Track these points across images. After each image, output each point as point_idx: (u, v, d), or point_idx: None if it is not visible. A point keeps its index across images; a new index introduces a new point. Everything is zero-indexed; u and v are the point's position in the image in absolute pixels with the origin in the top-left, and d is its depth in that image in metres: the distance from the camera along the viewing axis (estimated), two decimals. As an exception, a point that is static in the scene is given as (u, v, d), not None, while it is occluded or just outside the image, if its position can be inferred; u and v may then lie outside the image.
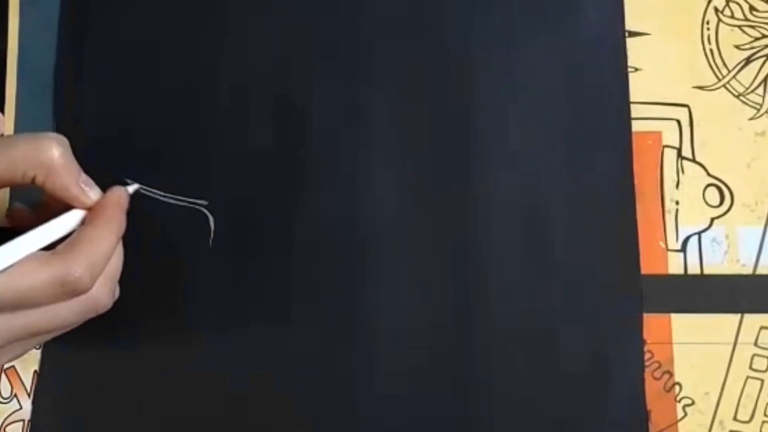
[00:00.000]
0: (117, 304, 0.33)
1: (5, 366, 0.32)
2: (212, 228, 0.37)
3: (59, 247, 0.30)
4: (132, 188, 0.34)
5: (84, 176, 0.32)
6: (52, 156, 0.31)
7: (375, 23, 0.39)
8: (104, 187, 0.33)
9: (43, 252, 0.30)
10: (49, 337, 0.32)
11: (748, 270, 0.38)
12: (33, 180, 0.31)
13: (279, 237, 0.38)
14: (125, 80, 0.39)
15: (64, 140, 0.31)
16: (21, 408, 0.37)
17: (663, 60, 0.39)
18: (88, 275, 0.30)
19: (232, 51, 0.39)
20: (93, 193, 0.32)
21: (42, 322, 0.30)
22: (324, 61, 0.39)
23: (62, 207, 0.32)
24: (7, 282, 0.29)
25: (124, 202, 0.33)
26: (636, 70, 0.39)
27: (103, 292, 0.31)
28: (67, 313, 0.31)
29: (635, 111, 0.39)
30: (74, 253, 0.30)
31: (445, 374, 0.37)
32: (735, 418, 0.37)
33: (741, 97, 0.39)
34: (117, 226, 0.32)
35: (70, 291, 0.30)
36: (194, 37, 0.39)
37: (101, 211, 0.32)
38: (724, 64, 0.39)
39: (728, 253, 0.38)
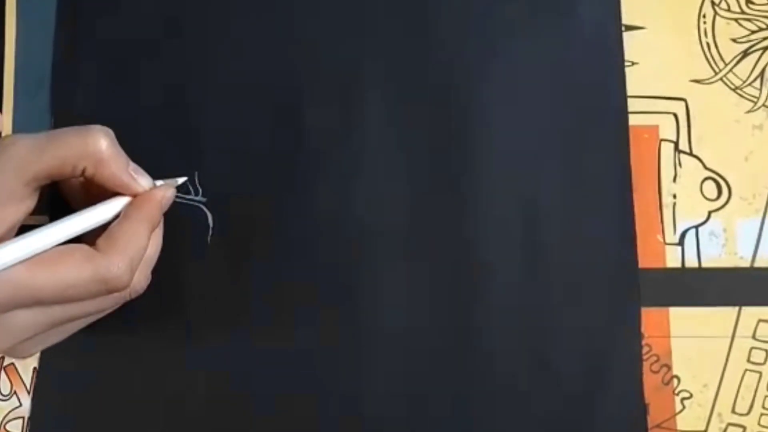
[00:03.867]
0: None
1: (30, 355, 0.34)
2: (210, 225, 0.37)
3: (99, 242, 0.31)
4: (181, 180, 0.35)
5: (133, 165, 0.33)
6: (101, 147, 0.31)
7: (373, 23, 0.39)
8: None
9: (86, 247, 0.31)
10: (86, 323, 0.33)
11: (745, 263, 0.38)
12: (83, 172, 0.32)
13: (278, 236, 0.38)
14: (122, 79, 0.39)
15: (110, 131, 0.32)
16: (21, 405, 0.37)
17: (660, 54, 0.39)
18: (128, 273, 0.31)
19: (230, 50, 0.39)
20: (143, 180, 0.33)
21: (80, 312, 0.32)
22: (322, 61, 0.39)
23: (110, 197, 0.33)
24: (50, 277, 0.29)
25: (166, 201, 0.34)
26: (633, 64, 0.39)
27: (138, 279, 0.33)
28: (105, 303, 0.32)
29: (632, 105, 0.39)
30: (114, 250, 0.31)
31: (444, 372, 0.37)
32: (733, 411, 0.37)
33: (738, 90, 0.39)
34: (152, 221, 0.33)
35: (110, 288, 0.31)
36: (191, 37, 0.39)
37: (139, 206, 0.33)
38: (721, 58, 0.39)
39: (726, 247, 0.38)
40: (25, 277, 0.29)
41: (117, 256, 0.31)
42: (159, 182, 0.34)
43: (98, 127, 0.32)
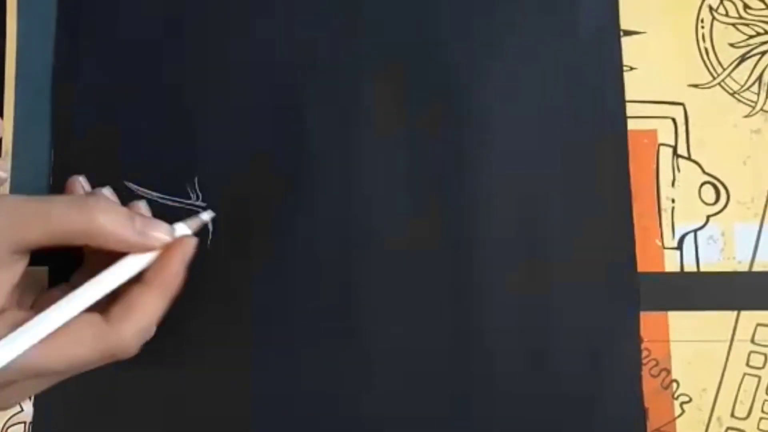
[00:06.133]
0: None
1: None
2: (210, 229, 0.37)
3: (113, 310, 0.30)
4: (207, 216, 0.34)
5: (140, 220, 0.31)
6: (100, 224, 0.30)
7: (374, 22, 0.39)
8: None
9: (97, 320, 0.30)
10: None
11: (744, 267, 0.38)
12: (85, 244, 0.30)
13: (277, 238, 0.38)
14: (121, 80, 0.39)
15: (108, 200, 0.31)
16: (22, 410, 0.37)
17: (658, 58, 0.39)
18: (138, 344, 0.31)
19: (230, 51, 0.39)
20: (156, 232, 0.31)
21: (79, 372, 0.31)
22: (323, 61, 0.39)
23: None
24: (60, 358, 0.29)
25: (187, 255, 0.32)
26: (631, 68, 0.39)
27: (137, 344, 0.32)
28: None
29: (630, 109, 0.39)
30: (127, 321, 0.30)
31: (444, 373, 0.37)
32: (732, 415, 0.37)
33: (736, 95, 0.39)
34: (171, 287, 0.31)
35: (118, 358, 0.30)
36: (191, 38, 0.39)
37: (160, 270, 0.31)
38: (719, 62, 0.39)
39: (724, 251, 0.38)
40: (34, 359, 0.28)
41: (130, 328, 0.30)
42: (178, 225, 0.33)
43: (93, 199, 0.30)
